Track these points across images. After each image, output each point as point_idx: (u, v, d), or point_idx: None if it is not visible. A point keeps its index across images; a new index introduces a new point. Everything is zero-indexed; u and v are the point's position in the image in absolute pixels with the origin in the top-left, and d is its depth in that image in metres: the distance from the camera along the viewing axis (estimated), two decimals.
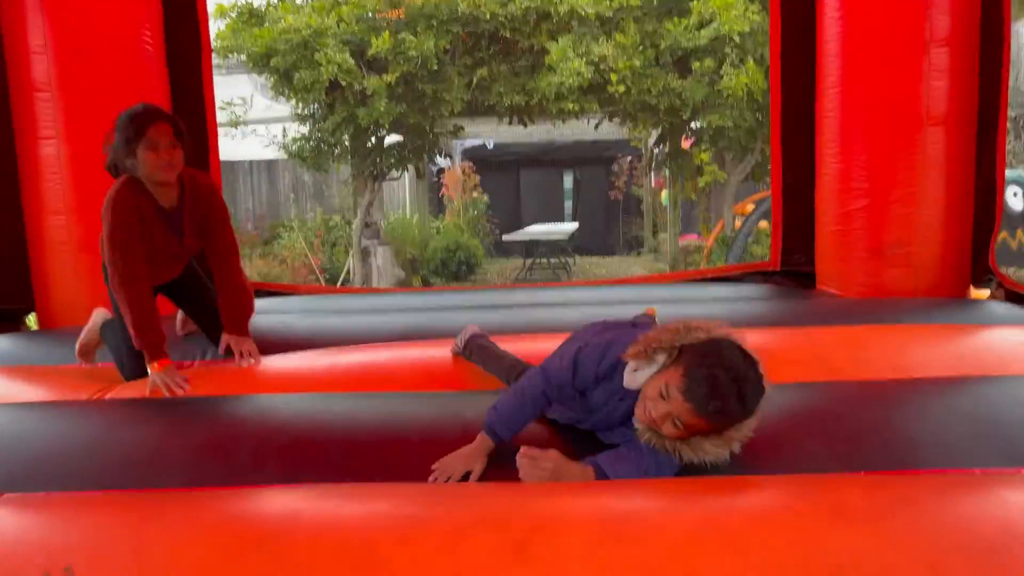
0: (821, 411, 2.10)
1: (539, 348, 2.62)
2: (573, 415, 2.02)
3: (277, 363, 2.82)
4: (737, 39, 8.21)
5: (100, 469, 1.97)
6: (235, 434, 2.09)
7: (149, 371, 2.59)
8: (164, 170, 2.60)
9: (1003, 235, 8.11)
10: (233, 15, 8.86)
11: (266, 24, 8.66)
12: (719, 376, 1.65)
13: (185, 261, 2.89)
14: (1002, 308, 3.49)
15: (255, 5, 9.08)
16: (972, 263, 3.97)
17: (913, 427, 1.99)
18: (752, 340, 2.71)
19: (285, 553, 1.40)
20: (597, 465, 1.80)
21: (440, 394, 2.37)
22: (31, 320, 4.20)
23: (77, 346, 3.05)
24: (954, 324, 3.15)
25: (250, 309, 2.92)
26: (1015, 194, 8.72)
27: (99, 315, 3.06)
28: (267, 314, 3.96)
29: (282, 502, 1.60)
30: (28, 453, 2.04)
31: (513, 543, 1.39)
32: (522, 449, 1.80)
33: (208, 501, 1.68)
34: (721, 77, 8.29)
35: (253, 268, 10.27)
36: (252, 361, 2.77)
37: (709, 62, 8.32)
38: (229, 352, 2.84)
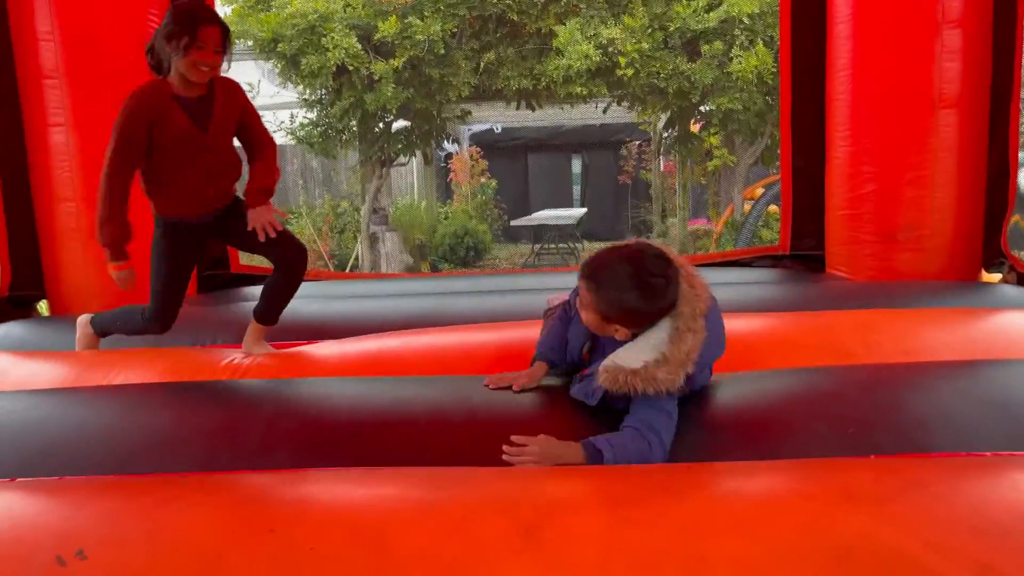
0: (831, 395, 2.09)
1: None
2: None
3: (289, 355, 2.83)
4: (747, 21, 8.15)
5: (113, 454, 1.99)
6: (246, 418, 2.10)
7: (112, 271, 2.73)
8: (200, 72, 2.64)
9: (1015, 218, 8.04)
10: (239, 0, 8.83)
11: (272, 9, 8.63)
12: (603, 256, 1.88)
13: (214, 158, 2.78)
14: (1014, 291, 3.46)
15: None
16: (984, 246, 3.95)
17: (923, 410, 1.98)
18: (762, 324, 2.72)
19: (296, 536, 1.41)
20: (589, 443, 1.81)
21: (447, 378, 2.38)
22: (42, 307, 4.22)
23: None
24: (966, 308, 3.13)
25: (273, 185, 2.89)
26: None
27: (84, 318, 3.10)
28: None
29: (293, 486, 1.61)
30: (42, 438, 2.05)
31: (521, 527, 1.39)
32: (511, 438, 1.84)
33: (220, 485, 1.69)
34: (731, 60, 8.23)
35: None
36: (272, 232, 2.77)
37: (718, 44, 8.26)
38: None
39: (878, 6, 3.78)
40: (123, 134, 2.64)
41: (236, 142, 2.87)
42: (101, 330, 3.07)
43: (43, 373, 2.71)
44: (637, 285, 1.81)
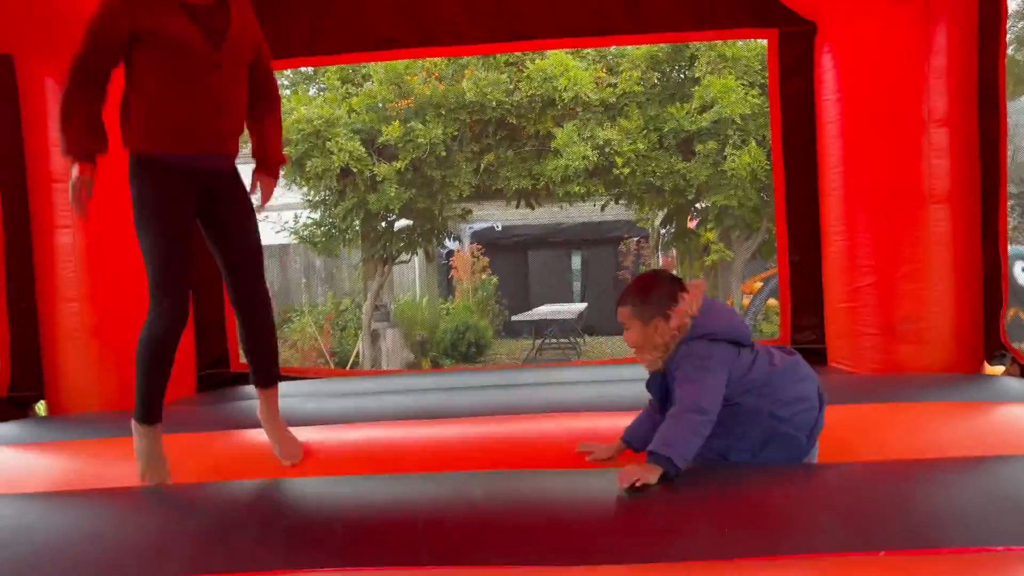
0: (837, 490, 2.05)
1: (546, 427, 2.60)
2: None
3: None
4: (739, 121, 8.39)
5: (101, 560, 1.94)
6: (240, 520, 2.06)
7: (73, 174, 2.24)
8: None
9: (1013, 311, 8.07)
10: None
11: None
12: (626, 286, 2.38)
13: (227, 83, 2.30)
14: (1017, 384, 3.44)
15: None
16: (984, 339, 3.94)
17: (932, 505, 1.94)
18: None
19: None
20: (652, 453, 2.07)
21: (448, 475, 2.34)
22: (40, 408, 4.19)
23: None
24: (970, 401, 3.10)
25: (280, 153, 2.52)
26: (1023, 269, 8.73)
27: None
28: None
29: None
30: (28, 545, 2.01)
31: None
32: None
33: None
34: (724, 158, 8.43)
35: None
36: (263, 209, 2.42)
37: (712, 144, 8.48)
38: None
39: (865, 107, 3.90)
40: (92, 31, 2.17)
41: None
42: (139, 410, 2.50)
43: (39, 471, 2.67)
44: (648, 279, 2.37)
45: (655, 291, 2.28)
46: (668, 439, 2.07)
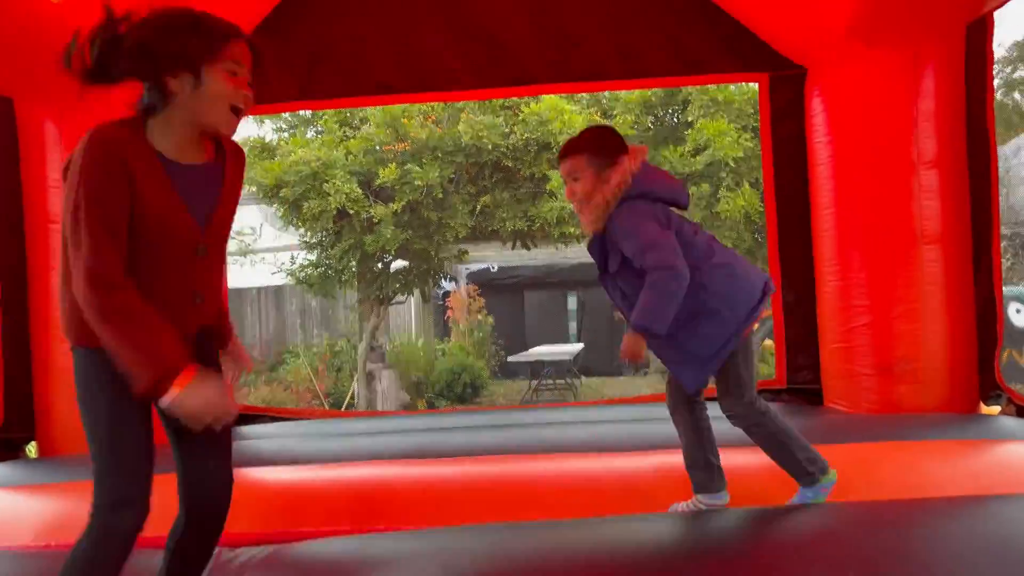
0: (830, 534, 2.04)
1: (543, 468, 2.59)
2: None
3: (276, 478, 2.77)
4: (732, 164, 8.48)
5: None
6: (231, 565, 2.03)
7: (176, 398, 1.60)
8: (236, 111, 1.68)
9: (1007, 351, 8.07)
10: (245, 149, 9.22)
11: (276, 157, 8.99)
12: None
13: (205, 266, 1.77)
14: (1014, 423, 3.44)
15: (266, 140, 9.47)
16: (979, 379, 3.94)
17: (929, 551, 1.93)
18: (761, 460, 2.67)
19: None
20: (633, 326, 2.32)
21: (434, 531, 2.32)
22: (31, 449, 4.15)
23: None
24: (967, 440, 3.10)
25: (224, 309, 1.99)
26: (1018, 311, 8.75)
27: None
28: (271, 439, 3.93)
29: None
30: None
31: None
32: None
33: None
34: (718, 200, 8.50)
35: (258, 394, 10.22)
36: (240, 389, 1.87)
37: (706, 186, 8.56)
38: None
39: (855, 149, 3.96)
40: (96, 196, 1.53)
41: None
42: None
43: (29, 514, 2.63)
44: (599, 130, 2.44)
45: (609, 142, 2.36)
46: (643, 308, 2.23)
